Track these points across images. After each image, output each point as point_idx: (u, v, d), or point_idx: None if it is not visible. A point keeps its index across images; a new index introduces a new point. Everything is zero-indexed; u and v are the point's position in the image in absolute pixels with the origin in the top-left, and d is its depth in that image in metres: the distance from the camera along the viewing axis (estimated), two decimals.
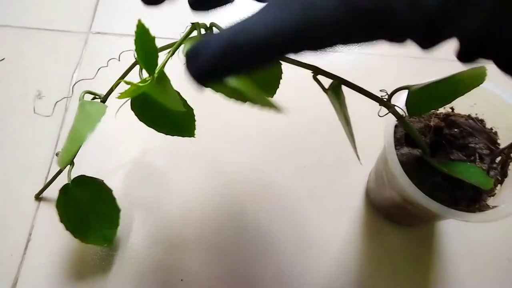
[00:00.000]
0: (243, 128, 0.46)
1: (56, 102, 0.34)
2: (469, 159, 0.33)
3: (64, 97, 0.34)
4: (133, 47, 0.25)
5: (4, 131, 0.46)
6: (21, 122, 0.46)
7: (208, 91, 0.23)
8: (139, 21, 0.23)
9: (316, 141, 0.45)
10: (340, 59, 0.49)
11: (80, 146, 0.27)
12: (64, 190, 0.35)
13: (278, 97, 0.29)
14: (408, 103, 0.29)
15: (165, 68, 0.26)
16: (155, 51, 0.25)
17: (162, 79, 0.26)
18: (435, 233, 0.41)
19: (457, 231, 0.41)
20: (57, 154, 0.35)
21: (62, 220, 0.35)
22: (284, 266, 0.39)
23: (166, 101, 0.27)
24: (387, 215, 0.40)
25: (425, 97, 0.29)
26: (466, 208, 0.31)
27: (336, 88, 0.27)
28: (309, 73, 0.27)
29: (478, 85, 0.28)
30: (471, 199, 0.31)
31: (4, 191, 0.43)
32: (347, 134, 0.28)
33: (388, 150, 0.31)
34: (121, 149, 0.45)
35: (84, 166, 0.43)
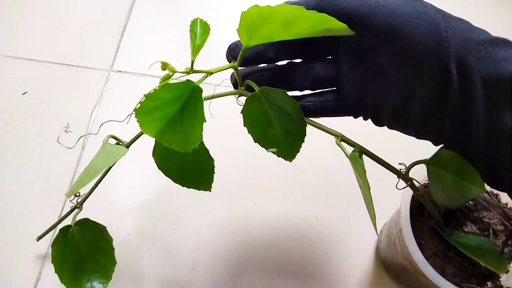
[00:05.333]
0: (257, 177, 0.47)
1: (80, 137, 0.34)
2: (483, 233, 0.33)
3: (89, 133, 0.34)
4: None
5: (24, 164, 0.46)
6: (40, 155, 0.47)
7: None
8: None
9: (325, 193, 0.46)
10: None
11: (92, 178, 0.27)
12: (64, 230, 0.34)
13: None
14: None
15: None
16: None
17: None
18: None
19: None
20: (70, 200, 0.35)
21: (54, 261, 0.34)
22: None
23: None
24: (397, 277, 0.40)
25: None
26: (478, 286, 0.31)
27: (357, 154, 0.28)
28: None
29: None
30: (484, 277, 0.31)
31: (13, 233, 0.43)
32: (365, 200, 0.28)
33: (403, 224, 0.31)
34: (136, 190, 0.46)
35: (98, 207, 0.44)
